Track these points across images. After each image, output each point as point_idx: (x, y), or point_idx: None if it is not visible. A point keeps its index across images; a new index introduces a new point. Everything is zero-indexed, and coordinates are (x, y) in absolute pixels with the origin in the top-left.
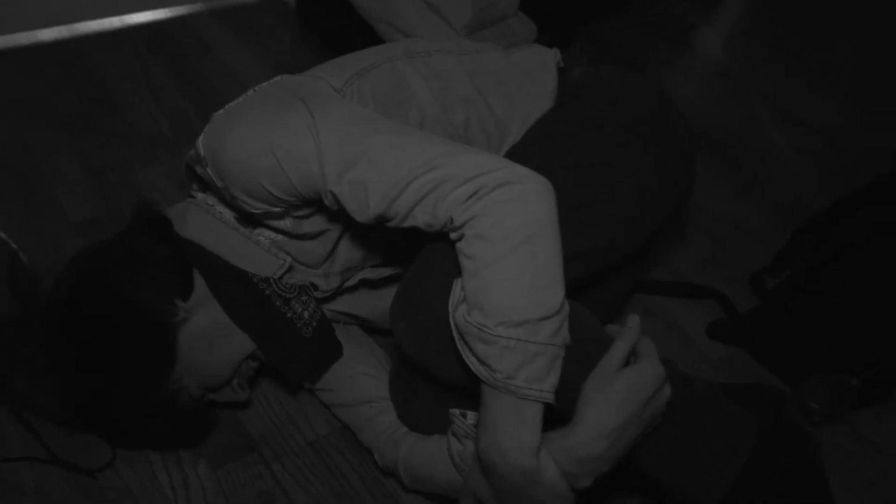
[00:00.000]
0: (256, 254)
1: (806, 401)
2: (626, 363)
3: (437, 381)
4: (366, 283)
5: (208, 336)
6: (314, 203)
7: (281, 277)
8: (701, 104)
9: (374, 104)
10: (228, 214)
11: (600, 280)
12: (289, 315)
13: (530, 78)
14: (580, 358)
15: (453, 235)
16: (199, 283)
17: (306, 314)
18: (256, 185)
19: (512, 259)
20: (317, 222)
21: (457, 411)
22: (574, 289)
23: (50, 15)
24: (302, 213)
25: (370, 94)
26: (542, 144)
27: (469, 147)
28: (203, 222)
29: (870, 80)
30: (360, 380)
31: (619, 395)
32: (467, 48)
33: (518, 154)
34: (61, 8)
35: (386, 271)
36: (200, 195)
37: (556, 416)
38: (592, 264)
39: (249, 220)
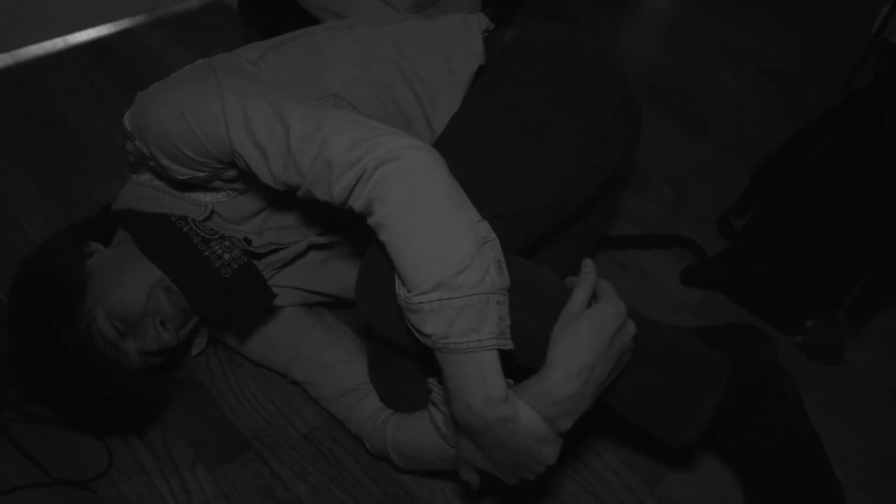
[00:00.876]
0: (178, 204)
1: (812, 346)
2: (589, 307)
3: (407, 353)
4: (318, 248)
5: (118, 265)
6: (233, 165)
7: (205, 221)
8: (650, 55)
9: (290, 73)
10: (160, 184)
11: (559, 235)
12: (206, 253)
13: (454, 39)
14: (542, 311)
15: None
16: (122, 232)
17: (227, 256)
18: (175, 149)
19: (406, 233)
20: (245, 181)
21: (433, 380)
22: (534, 245)
23: None
24: (229, 174)
25: (286, 64)
26: (474, 112)
27: (357, 119)
28: (132, 192)
29: (814, 14)
30: (341, 369)
31: (584, 335)
32: (391, 20)
33: (453, 125)
34: (2, 34)
35: (333, 236)
36: (134, 176)
37: (532, 372)
38: (544, 220)
39: (184, 188)
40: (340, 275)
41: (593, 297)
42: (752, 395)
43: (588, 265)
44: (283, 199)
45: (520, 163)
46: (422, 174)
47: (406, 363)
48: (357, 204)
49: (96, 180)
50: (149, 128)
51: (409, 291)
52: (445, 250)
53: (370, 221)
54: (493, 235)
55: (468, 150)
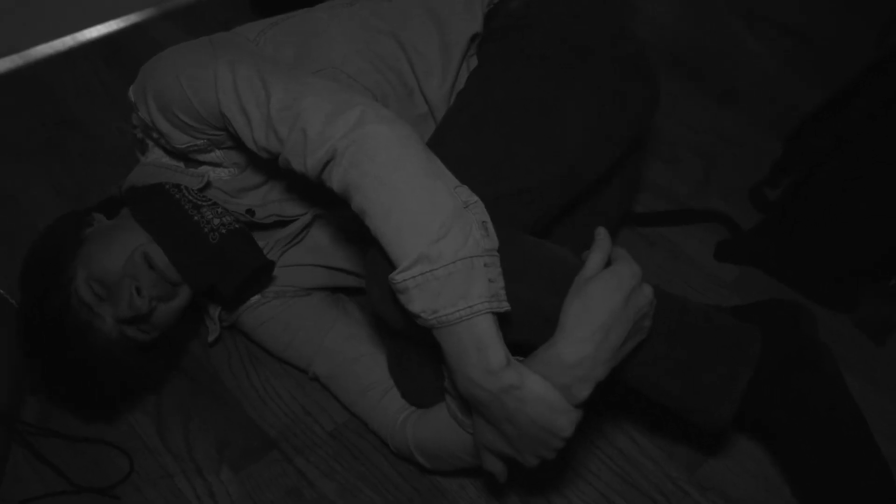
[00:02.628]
0: (177, 177)
1: (870, 321)
2: None
3: (421, 345)
4: (324, 222)
5: (110, 232)
6: (227, 131)
7: (201, 191)
8: (672, 24)
9: (289, 48)
10: (164, 162)
11: (578, 211)
12: (196, 218)
13: (452, 11)
14: (553, 286)
15: None
16: (125, 209)
17: (216, 221)
18: (172, 115)
19: (384, 213)
20: (246, 151)
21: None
22: (552, 222)
23: (0, 45)
24: (227, 144)
25: (284, 40)
26: (480, 88)
27: (338, 91)
28: (138, 172)
29: None
30: (364, 362)
31: (597, 295)
32: None
33: (459, 102)
34: (11, 36)
35: (338, 209)
36: (142, 158)
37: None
38: (558, 194)
39: (187, 164)
40: (352, 249)
41: (608, 265)
42: (788, 370)
43: (601, 232)
44: (284, 174)
45: (528, 137)
46: (391, 151)
47: (423, 356)
48: (334, 185)
49: (111, 180)
50: (149, 95)
51: (393, 272)
52: (422, 220)
53: (353, 209)
54: (476, 198)
55: (474, 128)
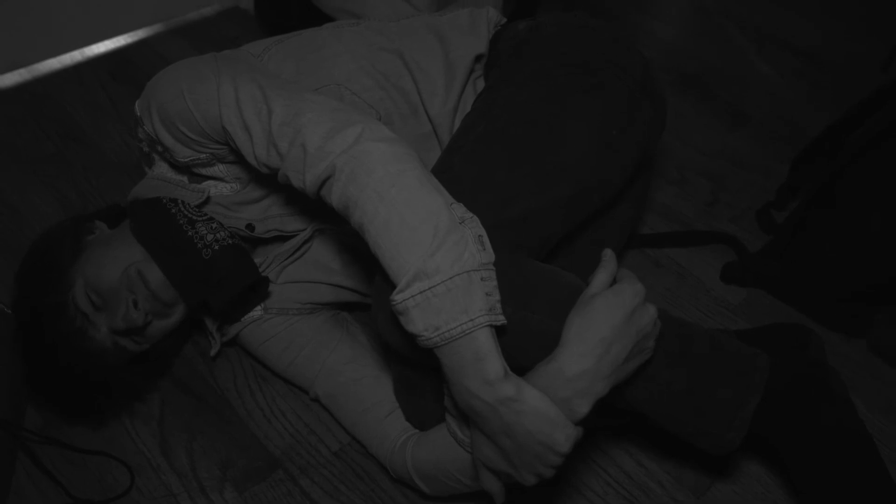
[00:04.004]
0: (178, 191)
1: (883, 345)
2: None
3: (425, 368)
4: (324, 237)
5: (109, 242)
6: (228, 146)
7: (200, 206)
8: (681, 44)
9: (293, 65)
10: (168, 177)
11: (585, 233)
12: (189, 233)
13: (458, 32)
14: (560, 310)
15: None
16: (126, 220)
17: (210, 237)
18: (176, 128)
19: (381, 227)
20: (248, 166)
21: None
22: (559, 244)
23: (8, 60)
24: (230, 159)
25: (288, 56)
26: (484, 112)
27: (338, 108)
28: (142, 185)
29: None
30: (366, 384)
31: (599, 312)
32: (400, 17)
33: (464, 126)
34: (19, 50)
35: (338, 225)
36: (148, 171)
37: None
38: (563, 216)
39: (190, 179)
40: (354, 265)
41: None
42: (796, 390)
43: (608, 253)
44: (285, 189)
45: (533, 160)
46: (389, 167)
47: (427, 380)
48: (333, 201)
49: (115, 193)
50: (153, 108)
51: (393, 293)
52: (419, 233)
53: (352, 225)
54: (471, 214)
55: (479, 153)
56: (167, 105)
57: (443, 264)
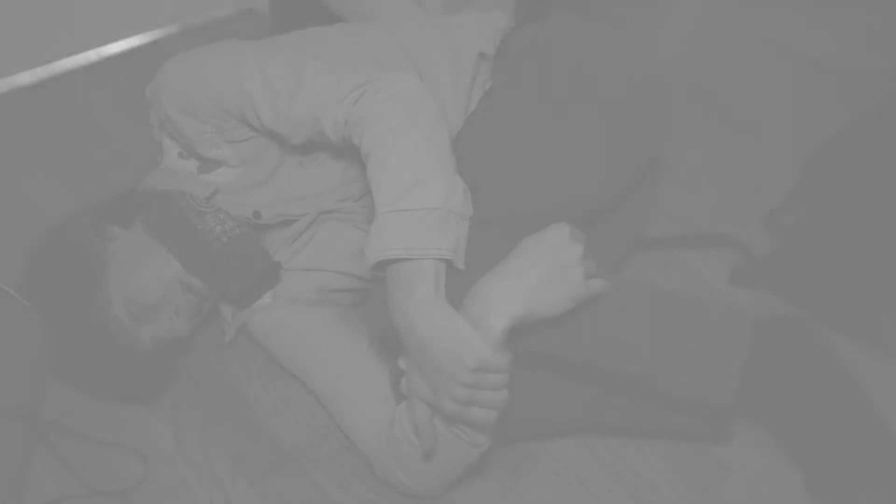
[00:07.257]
0: (187, 182)
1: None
2: None
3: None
4: (328, 218)
5: (136, 251)
6: (242, 121)
7: (208, 199)
8: (689, 51)
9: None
10: (178, 167)
11: (593, 234)
12: (199, 227)
13: (465, 34)
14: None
15: None
16: (140, 220)
17: (217, 228)
18: (189, 100)
19: (391, 144)
20: (254, 147)
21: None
22: None
23: (25, 58)
24: (236, 136)
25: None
26: (489, 114)
27: (367, 65)
28: (153, 176)
29: (856, 4)
30: (365, 376)
31: (522, 246)
32: (410, 18)
33: (467, 128)
34: (36, 49)
35: (342, 204)
36: (160, 162)
37: None
38: (571, 219)
39: (199, 169)
40: (357, 247)
41: None
42: (788, 360)
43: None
44: (289, 171)
45: (535, 161)
46: (407, 105)
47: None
48: (353, 115)
49: None
50: (166, 84)
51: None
52: (423, 160)
53: (362, 150)
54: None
55: (481, 154)
56: (184, 75)
57: (437, 192)
